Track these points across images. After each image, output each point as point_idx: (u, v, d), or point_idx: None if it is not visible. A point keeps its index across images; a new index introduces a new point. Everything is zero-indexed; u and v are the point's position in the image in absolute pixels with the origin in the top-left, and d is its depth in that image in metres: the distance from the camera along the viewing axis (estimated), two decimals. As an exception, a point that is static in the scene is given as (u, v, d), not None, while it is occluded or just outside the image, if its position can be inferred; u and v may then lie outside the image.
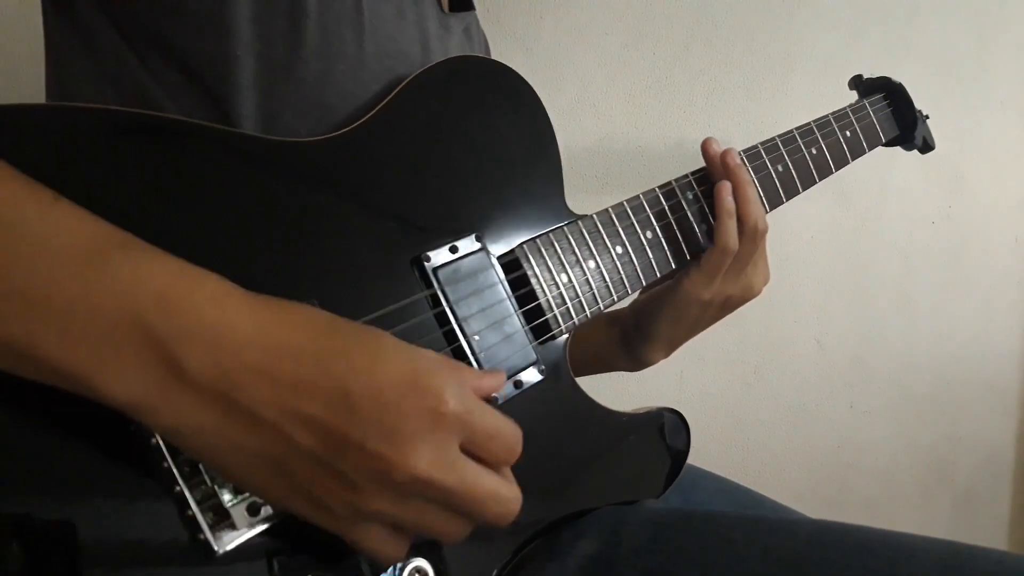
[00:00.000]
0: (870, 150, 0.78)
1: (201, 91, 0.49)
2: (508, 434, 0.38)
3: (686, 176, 0.64)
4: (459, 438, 0.36)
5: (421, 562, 0.47)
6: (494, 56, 0.76)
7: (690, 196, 0.63)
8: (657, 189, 0.62)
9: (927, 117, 0.82)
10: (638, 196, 0.61)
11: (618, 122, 1.03)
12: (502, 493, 0.38)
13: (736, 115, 1.10)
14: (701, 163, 0.64)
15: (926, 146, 0.84)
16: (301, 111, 0.50)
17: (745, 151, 0.66)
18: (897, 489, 1.41)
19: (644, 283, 0.60)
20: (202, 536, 0.39)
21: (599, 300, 0.58)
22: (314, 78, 0.51)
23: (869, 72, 1.22)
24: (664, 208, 0.62)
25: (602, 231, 0.59)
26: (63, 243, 0.34)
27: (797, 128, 0.71)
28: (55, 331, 0.32)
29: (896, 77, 1.22)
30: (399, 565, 0.45)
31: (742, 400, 1.21)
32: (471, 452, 0.37)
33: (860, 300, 1.27)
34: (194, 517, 0.39)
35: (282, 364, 0.34)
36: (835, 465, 1.33)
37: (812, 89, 1.15)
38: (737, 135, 1.10)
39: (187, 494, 0.39)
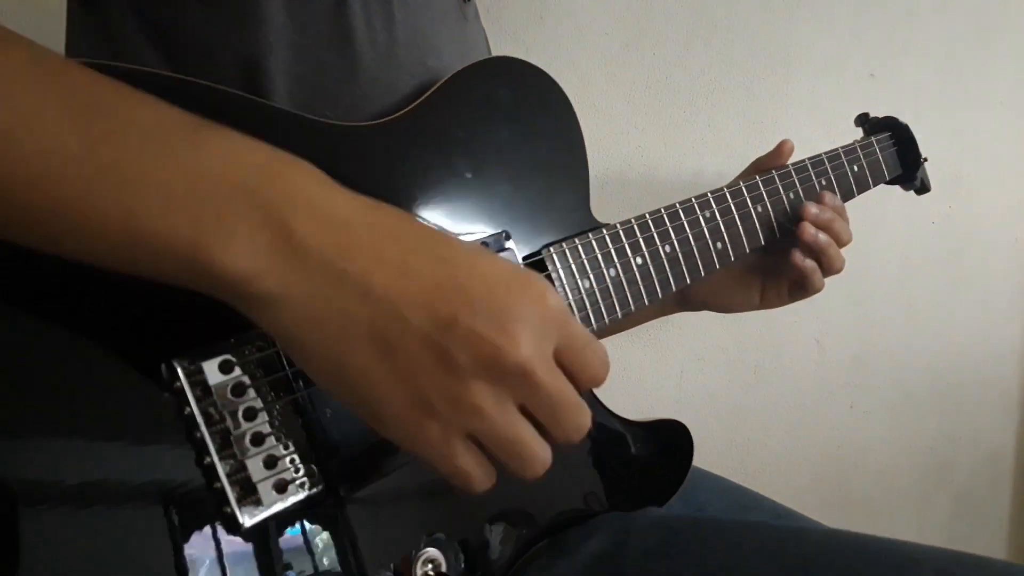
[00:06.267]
0: (874, 186, 0.81)
1: (233, 78, 0.49)
2: (601, 349, 0.37)
3: (705, 195, 0.66)
4: (557, 338, 0.35)
5: (433, 552, 0.47)
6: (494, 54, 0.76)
7: (707, 214, 0.65)
8: (678, 204, 0.64)
9: (925, 160, 0.86)
10: (659, 210, 0.63)
11: (618, 122, 1.03)
12: (583, 405, 0.37)
13: (736, 115, 1.10)
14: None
15: (923, 187, 0.88)
16: (332, 99, 0.50)
17: (760, 175, 0.70)
18: (897, 489, 1.40)
19: (660, 295, 0.62)
20: (228, 509, 0.39)
21: (617, 308, 0.59)
22: (345, 66, 0.51)
23: (870, 72, 1.22)
24: (683, 223, 0.64)
25: (624, 241, 0.60)
26: (153, 120, 0.32)
27: (809, 158, 0.73)
28: (155, 201, 0.31)
29: (896, 76, 1.21)
30: (412, 553, 0.45)
31: (742, 400, 1.21)
32: (562, 360, 0.36)
33: (860, 300, 1.27)
34: (222, 489, 0.39)
35: (386, 243, 0.34)
36: (835, 465, 1.32)
37: (812, 89, 1.15)
38: (737, 135, 1.10)
39: (218, 465, 0.39)
